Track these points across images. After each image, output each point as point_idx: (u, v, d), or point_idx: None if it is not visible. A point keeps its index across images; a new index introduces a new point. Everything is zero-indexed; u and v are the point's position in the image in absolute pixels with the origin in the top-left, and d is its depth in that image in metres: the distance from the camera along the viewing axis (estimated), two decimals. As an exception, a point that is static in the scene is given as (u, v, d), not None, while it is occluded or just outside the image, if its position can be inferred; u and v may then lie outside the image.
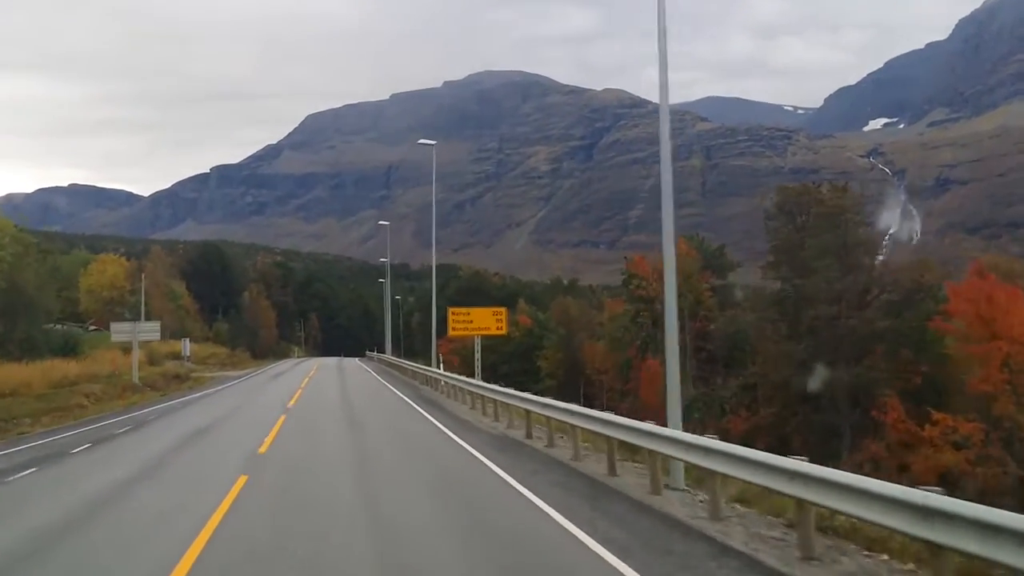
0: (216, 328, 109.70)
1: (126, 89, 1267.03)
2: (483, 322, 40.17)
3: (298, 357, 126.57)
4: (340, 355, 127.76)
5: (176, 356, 69.61)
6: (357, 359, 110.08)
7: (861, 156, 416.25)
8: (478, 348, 40.57)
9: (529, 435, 22.46)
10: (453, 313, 40.51)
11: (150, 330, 51.74)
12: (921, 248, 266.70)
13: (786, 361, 44.56)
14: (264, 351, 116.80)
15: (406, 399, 37.30)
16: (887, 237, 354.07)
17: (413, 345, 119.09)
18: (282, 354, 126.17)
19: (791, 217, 50.27)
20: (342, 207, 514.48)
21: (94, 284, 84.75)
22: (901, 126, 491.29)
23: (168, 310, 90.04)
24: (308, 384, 47.70)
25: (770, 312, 48.43)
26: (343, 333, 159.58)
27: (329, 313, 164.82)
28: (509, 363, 79.33)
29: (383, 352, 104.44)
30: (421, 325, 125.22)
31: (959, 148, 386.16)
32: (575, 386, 73.11)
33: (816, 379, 41.91)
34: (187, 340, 73.01)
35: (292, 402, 34.82)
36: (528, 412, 23.07)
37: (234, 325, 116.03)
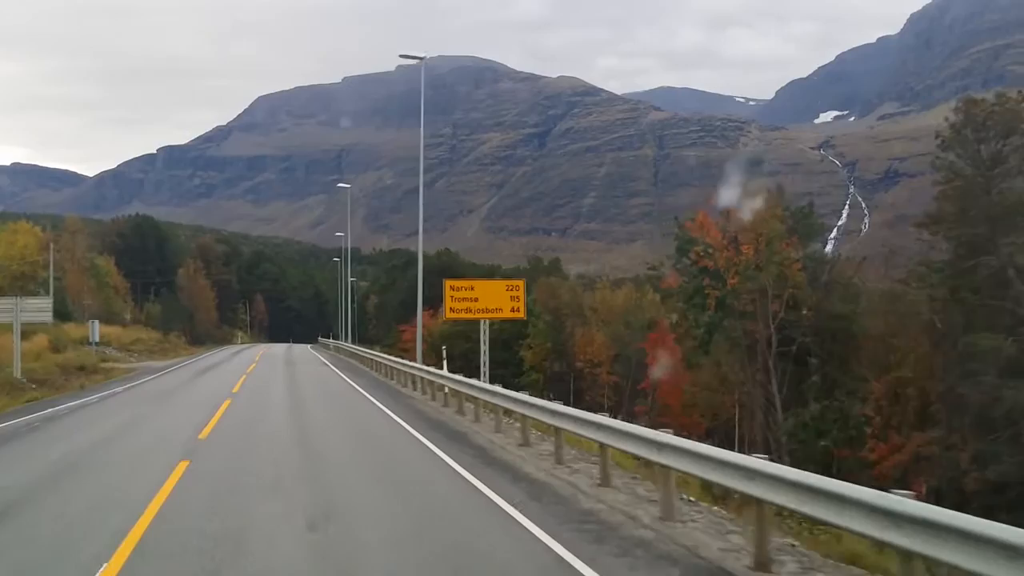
0: (148, 310, 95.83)
1: (66, 66, 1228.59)
2: (491, 300, 27.99)
3: (241, 343, 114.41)
4: (289, 341, 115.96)
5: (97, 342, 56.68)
6: (309, 346, 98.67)
7: (812, 148, 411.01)
8: (485, 336, 28.24)
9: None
10: (452, 288, 28.18)
11: (37, 309, 38.44)
12: (870, 239, 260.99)
13: (981, 360, 29.06)
14: (202, 336, 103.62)
15: (403, 424, 22.56)
16: (836, 229, 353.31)
17: (368, 331, 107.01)
18: (223, 340, 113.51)
19: (979, 147, 35.53)
20: (292, 190, 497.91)
21: (2, 256, 71.16)
22: (851, 119, 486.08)
23: (88, 288, 76.41)
24: (246, 384, 35.00)
25: (942, 289, 32.91)
26: (293, 317, 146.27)
27: (277, 295, 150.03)
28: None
29: (335, 338, 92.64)
30: (379, 309, 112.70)
31: (909, 141, 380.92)
32: (564, 381, 61.14)
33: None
34: (95, 323, 58.72)
35: (205, 432, 19.94)
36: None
37: (168, 307, 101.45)
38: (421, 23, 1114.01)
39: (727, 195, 60.03)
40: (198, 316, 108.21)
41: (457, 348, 63.88)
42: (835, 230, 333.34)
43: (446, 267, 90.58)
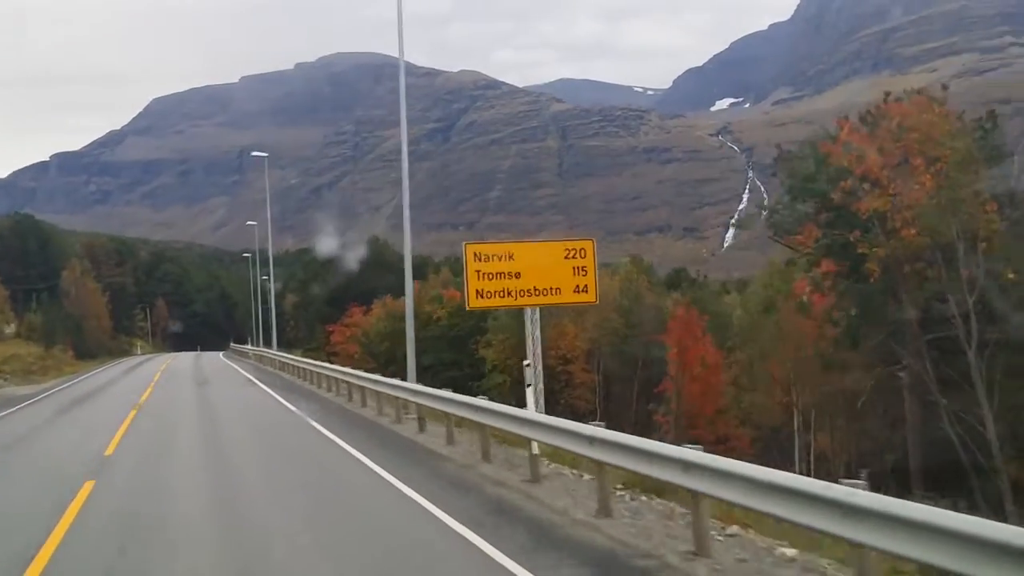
0: (29, 320, 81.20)
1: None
2: (543, 275, 16.23)
3: (141, 353, 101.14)
4: (197, 349, 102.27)
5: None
6: (220, 354, 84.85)
7: (711, 135, 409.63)
8: (534, 331, 16.32)
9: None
10: (478, 258, 16.13)
11: None
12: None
13: None
14: (93, 348, 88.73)
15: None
16: (738, 212, 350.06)
17: (287, 333, 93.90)
18: (119, 352, 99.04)
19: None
20: (191, 193, 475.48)
21: None
22: (747, 105, 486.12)
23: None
24: (133, 430, 21.35)
25: None
26: (200, 322, 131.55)
27: (181, 299, 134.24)
28: (436, 353, 54.74)
29: (249, 344, 79.63)
30: (299, 308, 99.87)
31: (803, 125, 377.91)
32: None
33: None
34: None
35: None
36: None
37: (52, 316, 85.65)
38: (318, 19, 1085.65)
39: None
40: (87, 325, 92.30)
41: (394, 352, 52.80)
42: (736, 215, 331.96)
43: (376, 261, 78.55)
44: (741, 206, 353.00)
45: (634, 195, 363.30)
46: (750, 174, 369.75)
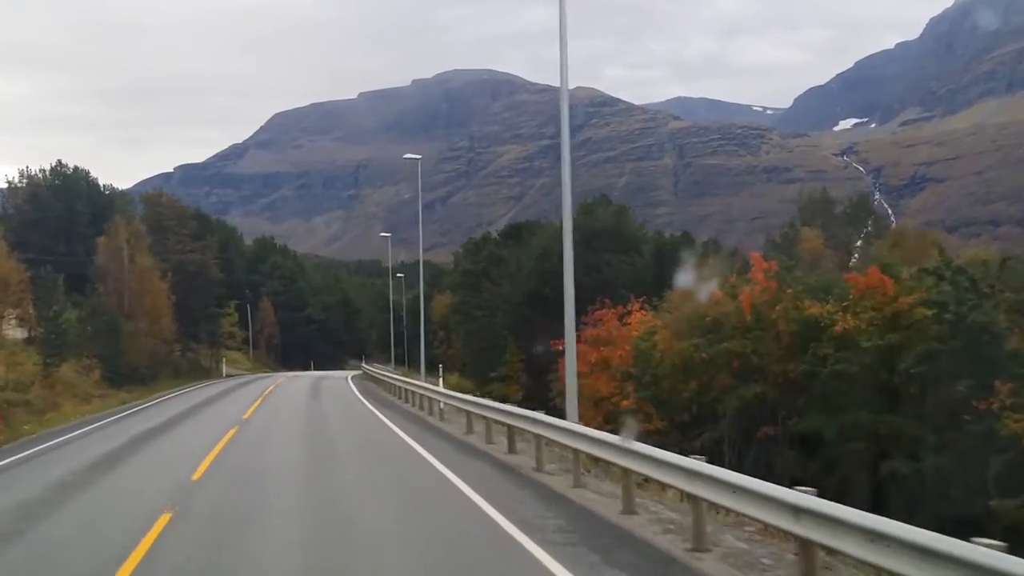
0: (59, 317, 46.11)
1: (73, 85, 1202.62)
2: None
3: (226, 375, 73.33)
4: (311, 367, 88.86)
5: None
6: (348, 377, 64.04)
7: (835, 155, 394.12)
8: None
9: None
10: None
11: None
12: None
13: None
14: (144, 364, 55.40)
15: None
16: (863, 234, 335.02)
17: (431, 349, 79.06)
18: (189, 371, 68.17)
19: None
20: (308, 207, 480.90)
21: None
22: (872, 125, 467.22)
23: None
24: None
25: None
26: (314, 331, 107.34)
27: (292, 300, 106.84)
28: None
29: (361, 359, 69.59)
30: (459, 315, 75.73)
31: (934, 146, 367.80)
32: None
33: None
34: None
35: None
36: None
37: (92, 311, 52.41)
38: (428, 38, 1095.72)
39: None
40: (138, 327, 55.97)
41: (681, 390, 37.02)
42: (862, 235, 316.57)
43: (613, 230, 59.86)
44: (867, 229, 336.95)
45: (755, 214, 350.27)
46: (876, 195, 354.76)
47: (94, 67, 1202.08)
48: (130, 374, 51.57)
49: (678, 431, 35.83)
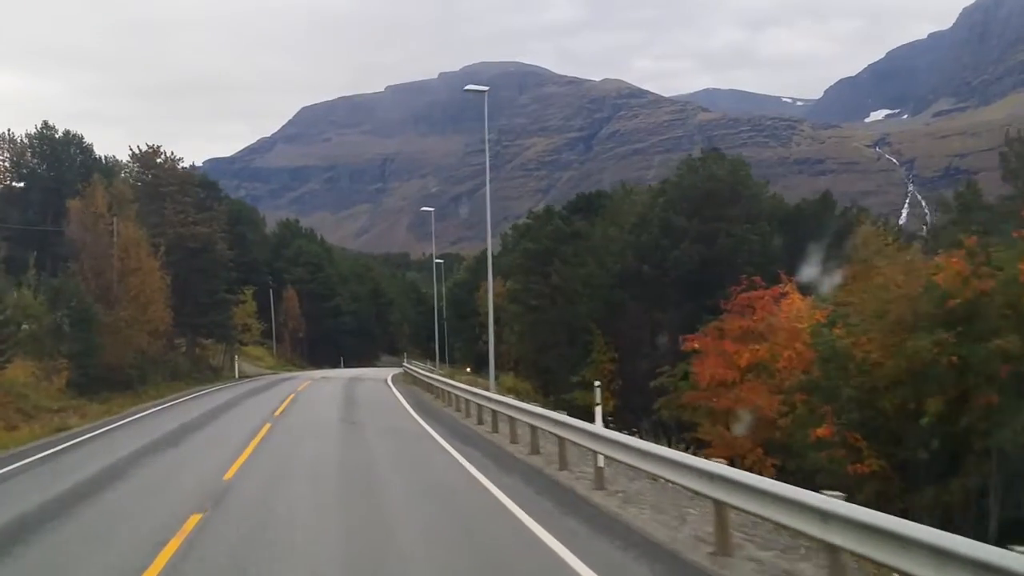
0: (23, 299, 38.68)
1: (103, 81, 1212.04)
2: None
3: (239, 377, 59.44)
4: (340, 363, 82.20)
5: None
6: (387, 379, 51.14)
7: (867, 146, 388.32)
8: None
9: None
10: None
11: None
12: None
13: None
14: (139, 366, 43.33)
15: None
16: (898, 227, 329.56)
17: (479, 348, 71.85)
18: (197, 372, 56.32)
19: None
20: (336, 200, 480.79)
21: None
22: (904, 116, 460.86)
23: None
24: None
25: None
26: (344, 325, 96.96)
27: (319, 289, 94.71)
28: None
29: (395, 355, 65.08)
30: (519, 305, 61.80)
31: (969, 137, 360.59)
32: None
33: None
34: None
35: None
36: None
37: (65, 292, 39.27)
38: (455, 30, 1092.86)
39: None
40: (120, 316, 42.46)
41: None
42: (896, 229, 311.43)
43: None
44: (901, 221, 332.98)
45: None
46: (910, 187, 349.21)
47: (125, 65, 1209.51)
48: (108, 377, 39.12)
49: (899, 474, 23.08)
